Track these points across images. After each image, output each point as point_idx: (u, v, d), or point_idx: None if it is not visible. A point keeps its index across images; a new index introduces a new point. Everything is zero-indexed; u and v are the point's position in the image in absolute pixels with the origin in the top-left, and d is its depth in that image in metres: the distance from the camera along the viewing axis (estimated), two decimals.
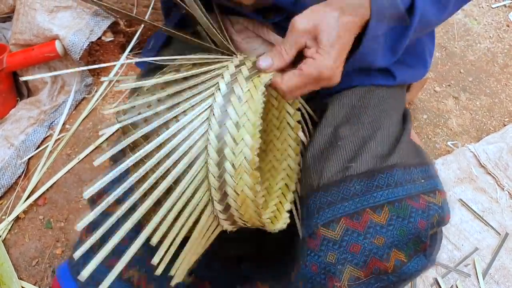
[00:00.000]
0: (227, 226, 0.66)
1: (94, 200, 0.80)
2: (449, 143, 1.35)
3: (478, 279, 1.12)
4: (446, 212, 0.73)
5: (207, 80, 0.60)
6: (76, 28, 1.39)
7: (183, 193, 0.60)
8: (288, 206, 0.76)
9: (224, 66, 0.62)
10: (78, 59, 1.39)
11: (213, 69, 0.62)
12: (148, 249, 0.61)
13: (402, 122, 0.82)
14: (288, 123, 0.77)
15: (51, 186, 1.32)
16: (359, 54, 0.68)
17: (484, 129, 1.39)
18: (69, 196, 1.30)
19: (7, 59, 1.39)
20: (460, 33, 1.60)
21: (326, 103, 0.81)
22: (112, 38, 1.58)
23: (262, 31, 0.78)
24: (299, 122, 0.76)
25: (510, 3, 1.66)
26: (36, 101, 1.46)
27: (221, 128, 0.60)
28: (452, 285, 1.11)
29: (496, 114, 1.42)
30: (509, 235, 1.17)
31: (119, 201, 0.57)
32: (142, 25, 1.53)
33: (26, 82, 1.52)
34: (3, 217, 1.27)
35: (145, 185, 0.57)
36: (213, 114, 0.60)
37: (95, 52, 1.55)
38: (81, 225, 0.54)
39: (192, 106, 0.60)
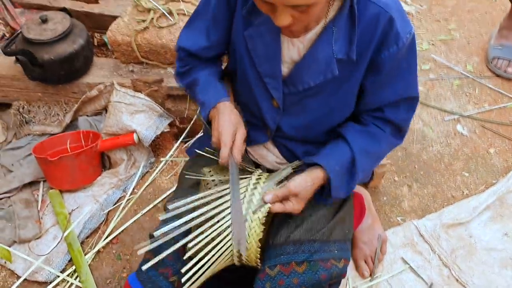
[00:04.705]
0: (236, 262, 1.10)
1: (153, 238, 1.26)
2: (399, 218, 1.87)
3: None
4: (344, 272, 1.13)
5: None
6: (147, 125, 2.01)
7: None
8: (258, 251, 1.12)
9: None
10: (148, 145, 2.03)
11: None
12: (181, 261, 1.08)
13: (337, 211, 1.22)
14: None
15: (122, 231, 1.86)
16: (332, 188, 1.10)
17: (428, 210, 1.90)
18: (134, 238, 1.84)
19: (100, 144, 2.00)
20: (418, 138, 2.14)
21: None
22: (168, 130, 2.21)
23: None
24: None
25: (458, 117, 2.23)
26: (115, 172, 2.03)
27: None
28: None
29: (438, 200, 1.93)
30: (434, 284, 1.66)
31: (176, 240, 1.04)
32: (191, 123, 2.18)
33: (108, 157, 2.15)
34: (89, 249, 1.81)
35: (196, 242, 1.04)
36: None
37: (156, 139, 2.13)
38: (150, 263, 1.05)
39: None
